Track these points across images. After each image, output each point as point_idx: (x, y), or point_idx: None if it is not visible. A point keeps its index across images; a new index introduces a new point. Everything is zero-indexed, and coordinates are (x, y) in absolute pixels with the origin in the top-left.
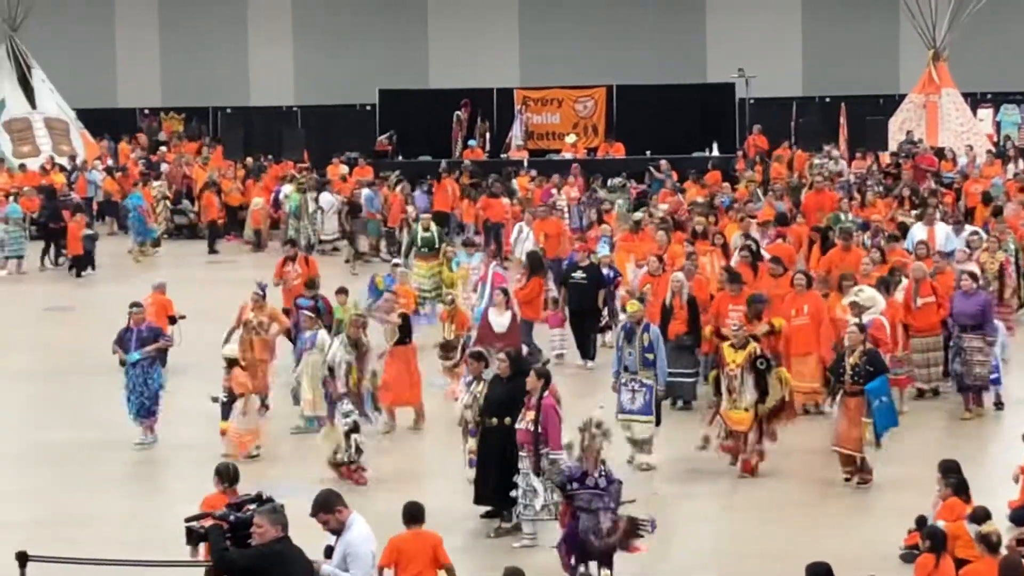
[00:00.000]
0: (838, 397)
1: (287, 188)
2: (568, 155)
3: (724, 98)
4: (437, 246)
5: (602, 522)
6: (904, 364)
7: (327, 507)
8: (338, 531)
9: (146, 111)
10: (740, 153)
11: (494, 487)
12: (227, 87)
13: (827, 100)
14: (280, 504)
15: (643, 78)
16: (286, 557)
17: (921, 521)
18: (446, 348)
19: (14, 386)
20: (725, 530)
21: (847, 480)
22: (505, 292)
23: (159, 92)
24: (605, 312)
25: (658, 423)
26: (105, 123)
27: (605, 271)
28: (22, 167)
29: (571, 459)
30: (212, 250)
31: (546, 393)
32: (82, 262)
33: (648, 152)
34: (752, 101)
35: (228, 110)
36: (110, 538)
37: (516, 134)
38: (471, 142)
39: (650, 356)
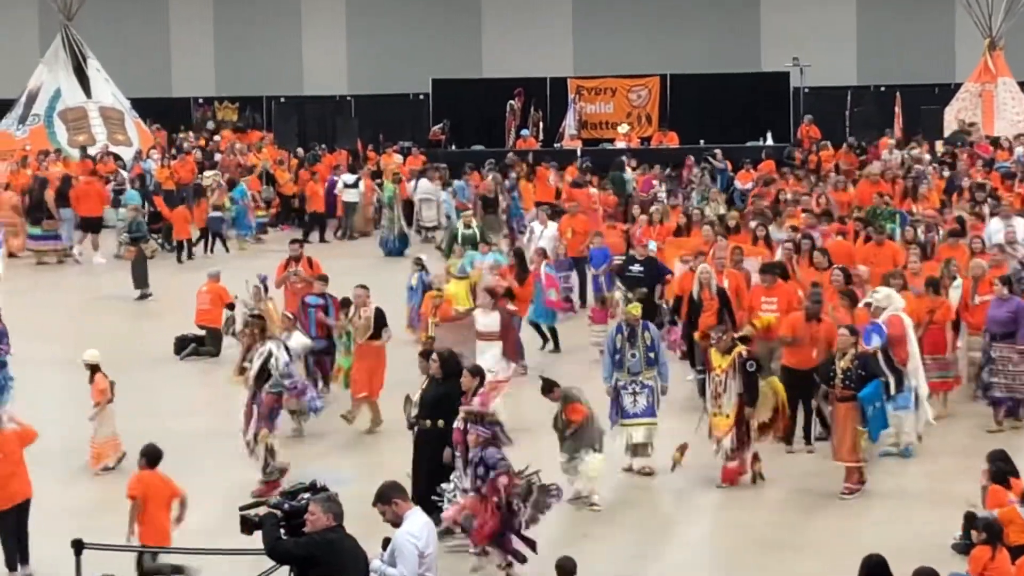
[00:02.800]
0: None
1: (348, 177)
2: (621, 144)
3: (778, 87)
4: (479, 243)
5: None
6: (951, 367)
7: (383, 498)
8: (395, 523)
9: (200, 100)
10: (797, 143)
11: (423, 492)
12: (281, 76)
13: (882, 89)
14: (335, 493)
15: (697, 67)
16: (338, 546)
17: (970, 517)
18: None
19: (66, 375)
20: (774, 522)
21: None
22: (492, 293)
23: (213, 81)
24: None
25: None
26: (159, 112)
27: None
28: (85, 154)
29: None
30: (321, 239)
31: (481, 391)
32: (188, 246)
33: (702, 141)
34: (807, 90)
35: (282, 99)
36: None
37: (569, 123)
38: (524, 132)
39: (653, 355)
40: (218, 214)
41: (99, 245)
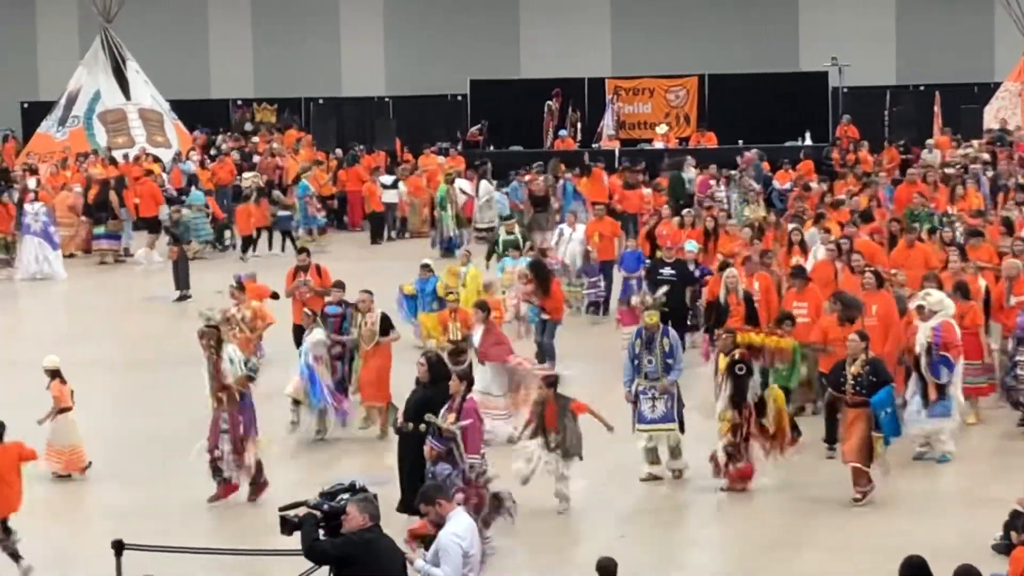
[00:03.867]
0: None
1: (386, 178)
2: (659, 145)
3: (817, 87)
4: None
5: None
6: (986, 372)
7: (427, 499)
8: (439, 524)
9: (239, 102)
10: (834, 143)
11: (407, 496)
12: (319, 78)
13: (921, 89)
14: (372, 494)
15: (736, 67)
16: (375, 546)
17: (1015, 515)
18: (456, 352)
19: (109, 375)
20: (818, 524)
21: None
22: (482, 307)
23: (252, 83)
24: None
25: (683, 429)
26: (198, 114)
27: (691, 268)
28: (137, 158)
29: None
30: (374, 240)
31: (469, 396)
32: (250, 241)
33: (740, 141)
34: (845, 90)
35: (320, 101)
36: (199, 528)
37: (607, 124)
38: (562, 132)
39: (671, 361)
40: (286, 213)
41: (155, 244)
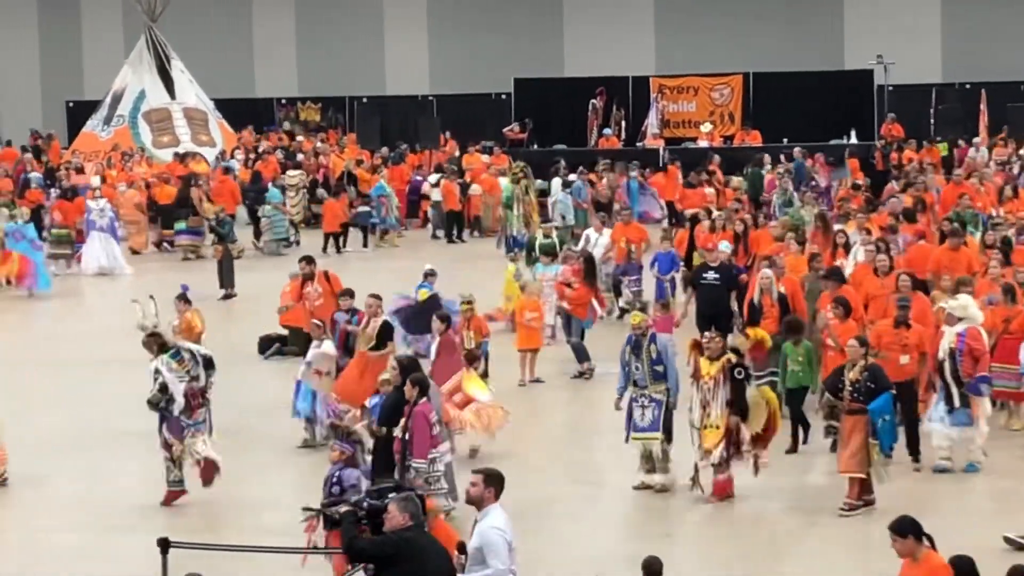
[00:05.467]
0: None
1: (432, 177)
2: (704, 143)
3: (862, 85)
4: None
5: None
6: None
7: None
8: (476, 504)
9: (283, 101)
10: (880, 143)
11: None
12: (363, 77)
13: (967, 87)
14: (415, 494)
15: (780, 65)
16: (415, 545)
17: None
18: (470, 358)
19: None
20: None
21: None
22: (443, 319)
23: (296, 82)
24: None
25: (670, 440)
26: (243, 113)
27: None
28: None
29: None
30: (453, 239)
31: (422, 401)
32: (338, 238)
33: (785, 140)
34: (891, 88)
35: (364, 99)
36: (247, 525)
37: (652, 122)
38: (606, 131)
39: (660, 368)
40: (366, 208)
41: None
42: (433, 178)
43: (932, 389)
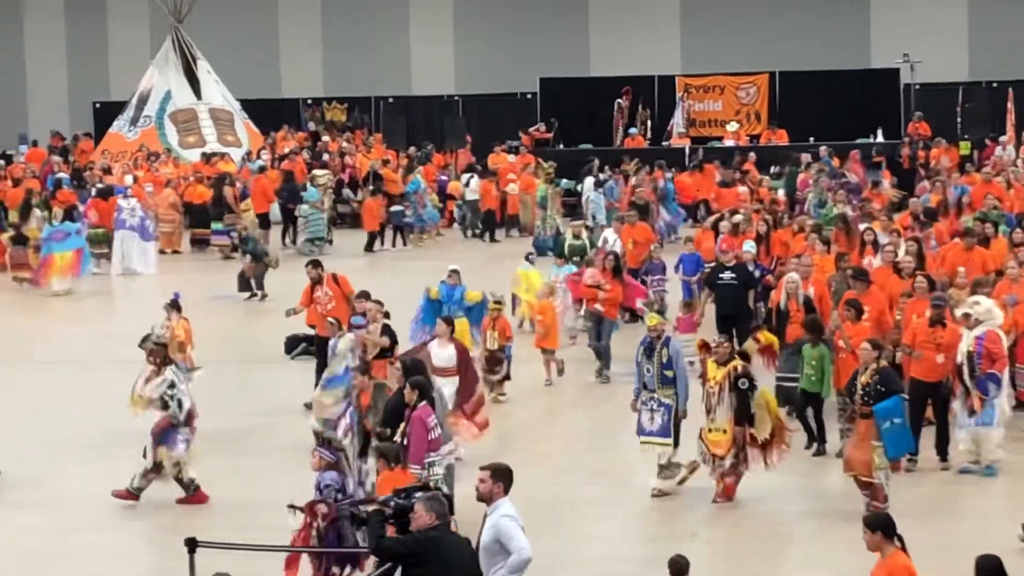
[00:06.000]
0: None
1: (466, 177)
2: (730, 142)
3: (889, 84)
4: (588, 255)
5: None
6: None
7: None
8: (485, 500)
9: (309, 101)
10: (906, 141)
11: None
12: (389, 77)
13: (994, 85)
14: (439, 492)
15: (806, 64)
16: (441, 544)
17: None
18: (491, 361)
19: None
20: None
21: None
22: (449, 322)
23: (321, 82)
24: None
25: (676, 444)
26: (269, 113)
27: (750, 268)
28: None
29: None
30: (492, 239)
31: (420, 404)
32: (373, 238)
33: (811, 139)
34: (917, 87)
35: (390, 100)
36: (273, 524)
37: (678, 122)
38: (632, 130)
39: (669, 373)
40: (399, 208)
41: (268, 240)
42: (465, 177)
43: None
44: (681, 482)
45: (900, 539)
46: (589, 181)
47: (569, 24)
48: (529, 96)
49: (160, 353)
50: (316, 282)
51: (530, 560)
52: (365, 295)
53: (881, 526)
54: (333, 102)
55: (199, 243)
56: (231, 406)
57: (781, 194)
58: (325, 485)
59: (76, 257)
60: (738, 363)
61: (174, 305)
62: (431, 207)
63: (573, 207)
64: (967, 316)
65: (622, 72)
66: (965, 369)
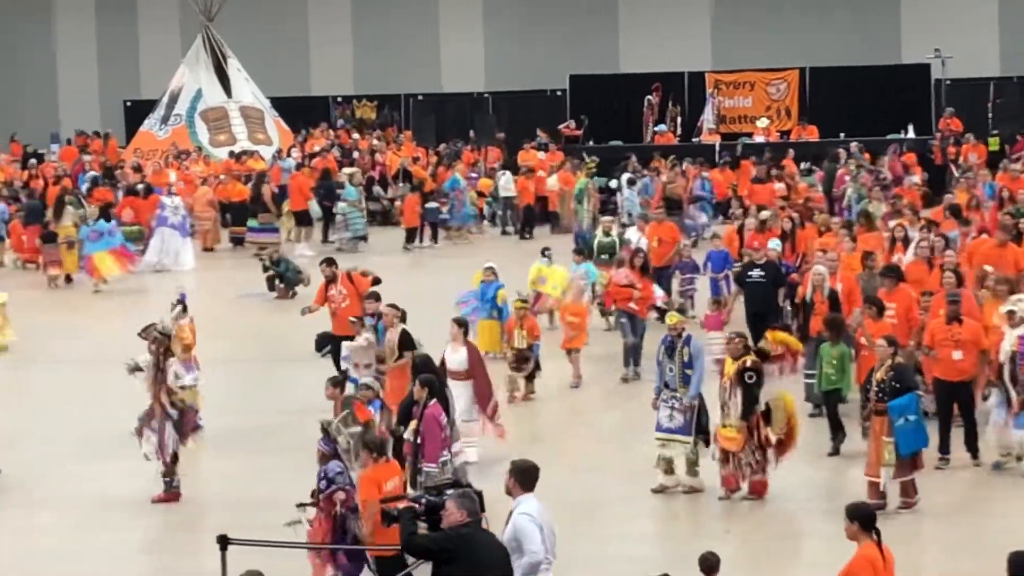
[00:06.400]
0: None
1: (500, 174)
2: (760, 138)
3: (919, 79)
4: (619, 254)
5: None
6: None
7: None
8: (511, 493)
9: (339, 99)
10: (938, 136)
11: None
12: (419, 74)
13: None
14: (473, 490)
15: (837, 60)
16: (472, 541)
17: None
18: (519, 359)
19: (214, 372)
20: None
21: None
22: (460, 323)
23: (351, 80)
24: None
25: (707, 443)
26: (299, 111)
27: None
28: (239, 156)
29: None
30: (530, 235)
31: (431, 403)
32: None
33: (842, 134)
34: (948, 82)
35: (420, 97)
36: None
37: (708, 118)
38: (661, 127)
39: (691, 372)
40: (434, 204)
41: (308, 237)
42: (501, 174)
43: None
44: (659, 490)
45: (878, 533)
46: (625, 178)
47: (599, 21)
48: (559, 93)
49: (164, 343)
50: (330, 280)
51: (539, 564)
52: (375, 296)
53: (859, 517)
54: (363, 100)
55: (238, 241)
56: (254, 404)
57: (817, 190)
58: (336, 473)
59: (116, 256)
60: (749, 358)
61: (180, 304)
62: (469, 205)
63: (604, 203)
64: (1012, 314)
65: (652, 69)
66: (1006, 369)
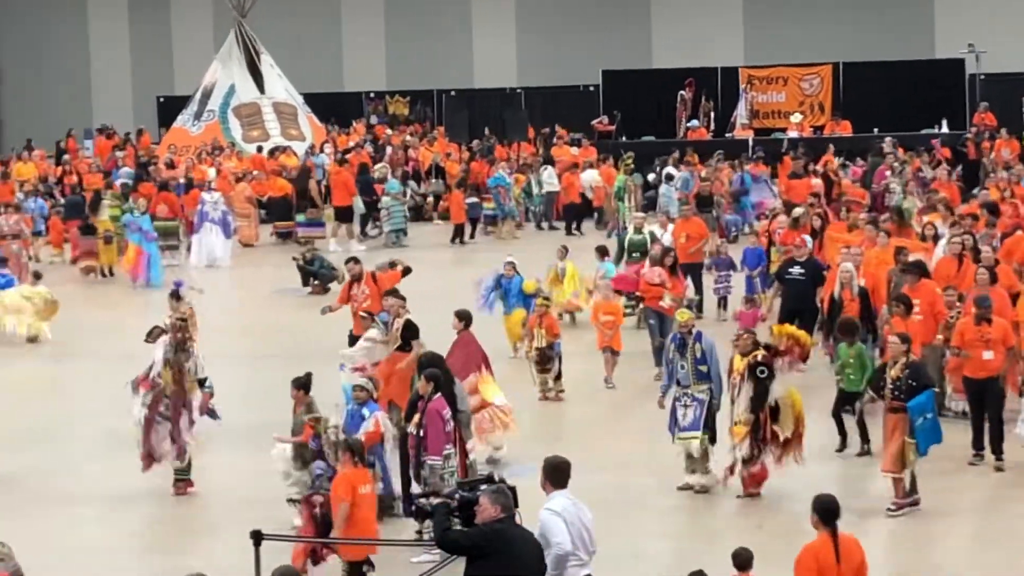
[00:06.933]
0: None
1: (591, 173)
2: (793, 134)
3: (953, 74)
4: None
5: None
6: None
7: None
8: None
9: (371, 95)
10: (972, 131)
11: (405, 495)
12: (451, 70)
13: None
14: (507, 486)
15: (870, 55)
16: (506, 536)
17: None
18: (542, 358)
19: (240, 368)
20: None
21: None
22: (461, 316)
23: (384, 76)
24: None
25: (713, 440)
26: (332, 107)
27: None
28: (272, 151)
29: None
30: (577, 230)
31: (435, 397)
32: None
33: (875, 130)
34: (982, 77)
35: (452, 93)
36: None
37: (741, 113)
38: (694, 122)
39: (703, 368)
40: (474, 200)
41: (354, 233)
42: (543, 169)
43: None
44: (685, 488)
45: (834, 528)
46: (664, 173)
47: (631, 16)
48: (591, 88)
49: (186, 328)
50: (356, 279)
51: (565, 557)
52: (394, 293)
53: (818, 509)
54: (396, 95)
55: (283, 236)
56: (274, 401)
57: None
58: (317, 475)
59: (139, 260)
60: (758, 353)
61: (175, 295)
62: (513, 201)
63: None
64: None
65: (685, 64)
66: None
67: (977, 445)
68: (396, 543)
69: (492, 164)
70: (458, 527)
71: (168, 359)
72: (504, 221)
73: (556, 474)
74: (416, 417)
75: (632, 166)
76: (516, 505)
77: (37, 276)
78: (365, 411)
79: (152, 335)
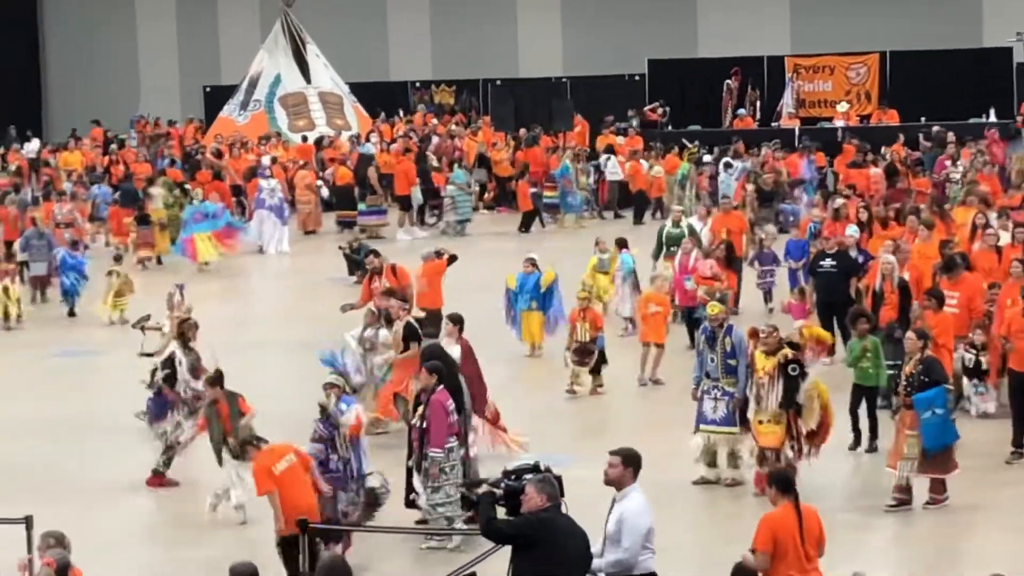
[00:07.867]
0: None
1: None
2: (840, 123)
3: (1001, 62)
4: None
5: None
6: None
7: (627, 459)
8: (614, 485)
9: (417, 84)
10: (1019, 120)
11: (406, 488)
12: (496, 59)
13: None
14: (553, 475)
15: (917, 43)
16: (552, 526)
17: None
18: (582, 352)
19: (275, 355)
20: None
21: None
22: (454, 320)
23: (430, 65)
24: None
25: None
26: (377, 96)
27: (853, 254)
28: (317, 141)
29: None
30: (640, 220)
31: (439, 389)
32: (529, 219)
33: (923, 119)
34: None
35: (498, 82)
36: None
37: (787, 102)
38: (741, 111)
39: (732, 362)
40: (535, 190)
41: (413, 220)
42: (603, 159)
43: None
44: (700, 482)
45: (796, 496)
46: (723, 162)
47: (677, 4)
48: (637, 78)
49: (195, 328)
50: (376, 272)
51: (630, 566)
52: (391, 293)
53: (775, 481)
54: (441, 85)
55: (346, 224)
56: (302, 390)
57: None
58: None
59: (218, 238)
60: (788, 351)
61: (181, 294)
62: (578, 191)
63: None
64: None
65: (731, 53)
66: None
67: (1017, 443)
68: (414, 531)
69: (554, 152)
70: (503, 516)
71: (191, 364)
72: (565, 215)
73: (638, 465)
74: (420, 409)
75: (696, 155)
76: (562, 494)
77: (118, 259)
78: (343, 405)
79: (140, 322)
